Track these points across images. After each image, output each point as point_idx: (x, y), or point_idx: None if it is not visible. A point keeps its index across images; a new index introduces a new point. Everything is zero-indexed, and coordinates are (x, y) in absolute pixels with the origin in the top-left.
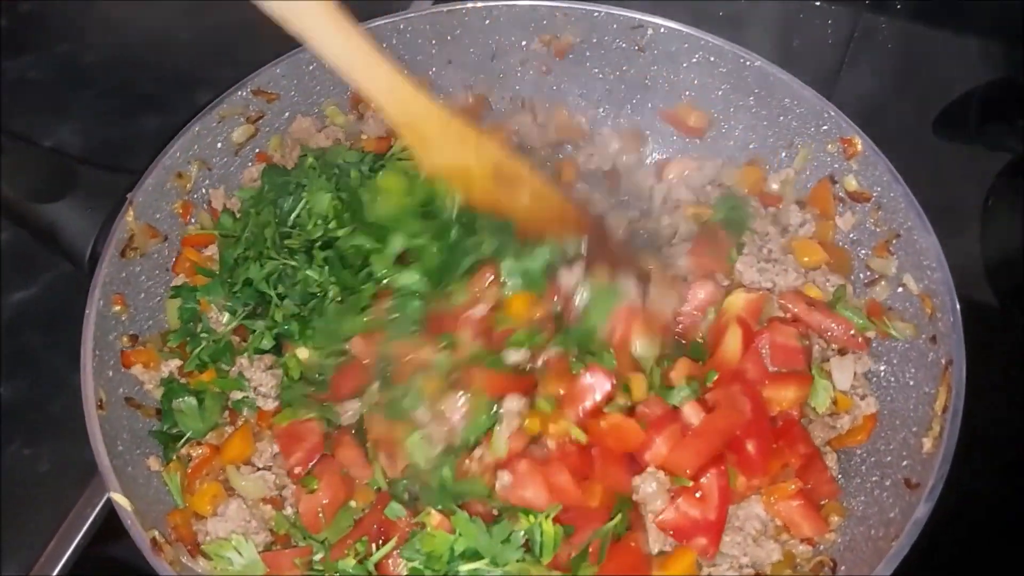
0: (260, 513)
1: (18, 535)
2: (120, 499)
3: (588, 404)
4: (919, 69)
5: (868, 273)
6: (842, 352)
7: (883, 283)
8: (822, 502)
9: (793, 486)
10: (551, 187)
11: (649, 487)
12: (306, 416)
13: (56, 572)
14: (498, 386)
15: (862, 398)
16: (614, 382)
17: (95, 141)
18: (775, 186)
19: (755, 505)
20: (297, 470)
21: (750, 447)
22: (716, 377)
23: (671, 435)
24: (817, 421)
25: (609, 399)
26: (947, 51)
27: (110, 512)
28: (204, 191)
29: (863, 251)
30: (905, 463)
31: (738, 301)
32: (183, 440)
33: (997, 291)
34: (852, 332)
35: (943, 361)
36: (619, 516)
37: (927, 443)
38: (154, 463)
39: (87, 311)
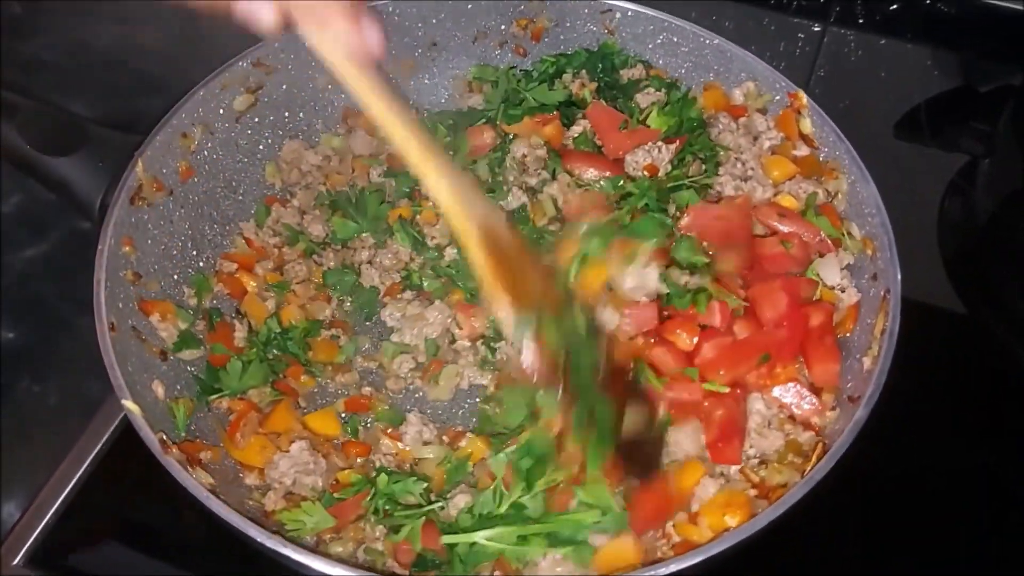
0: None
1: (27, 463)
2: (130, 405)
3: None
4: (882, 77)
5: None
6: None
7: None
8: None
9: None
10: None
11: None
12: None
13: (62, 497)
14: None
15: (843, 291)
16: None
17: (103, 114)
18: (739, 99)
19: (754, 401)
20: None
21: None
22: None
23: (719, 344)
24: None
25: None
26: (908, 61)
27: (115, 443)
28: (206, 153)
29: None
30: (850, 384)
31: None
32: (219, 394)
33: (954, 283)
34: (820, 237)
35: (882, 292)
36: None
37: (867, 362)
38: (159, 389)
39: (100, 247)
